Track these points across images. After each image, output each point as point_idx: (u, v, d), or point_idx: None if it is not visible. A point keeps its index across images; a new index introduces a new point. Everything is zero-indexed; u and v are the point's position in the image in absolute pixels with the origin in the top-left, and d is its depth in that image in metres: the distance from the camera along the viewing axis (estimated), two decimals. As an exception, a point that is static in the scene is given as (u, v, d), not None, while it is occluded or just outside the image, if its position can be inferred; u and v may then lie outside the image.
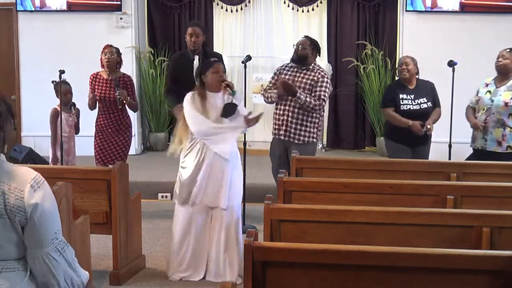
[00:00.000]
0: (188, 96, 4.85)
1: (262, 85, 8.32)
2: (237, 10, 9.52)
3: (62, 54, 8.78)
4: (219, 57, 5.78)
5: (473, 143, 5.90)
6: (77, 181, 4.52)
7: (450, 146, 6.06)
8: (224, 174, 4.76)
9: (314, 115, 5.78)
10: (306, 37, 6.02)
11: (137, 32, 9.16)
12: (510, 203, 3.98)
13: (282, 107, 5.81)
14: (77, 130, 6.29)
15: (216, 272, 4.76)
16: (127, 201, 4.85)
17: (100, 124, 6.13)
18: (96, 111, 6.17)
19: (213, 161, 4.75)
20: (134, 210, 4.98)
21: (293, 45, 6.01)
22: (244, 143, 6.03)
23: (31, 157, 6.95)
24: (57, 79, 6.09)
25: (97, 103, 6.08)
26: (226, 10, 9.52)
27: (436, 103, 5.99)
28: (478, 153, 5.80)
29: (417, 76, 6.01)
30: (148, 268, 5.10)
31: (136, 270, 4.96)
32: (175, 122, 5.95)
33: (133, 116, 6.92)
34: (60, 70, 6.04)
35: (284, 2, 9.39)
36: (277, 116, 5.86)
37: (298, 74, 5.82)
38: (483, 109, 5.79)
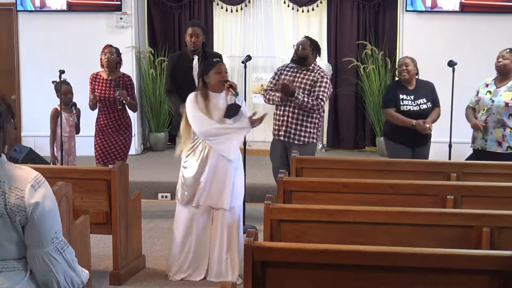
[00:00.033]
0: (191, 97, 4.83)
1: (262, 85, 8.34)
2: (237, 10, 9.52)
3: (62, 54, 8.78)
4: (219, 57, 5.77)
5: (473, 143, 5.90)
6: (77, 181, 4.52)
7: (450, 146, 6.06)
8: (227, 175, 4.76)
9: (314, 115, 5.78)
10: (306, 37, 6.02)
11: (137, 32, 9.17)
12: (510, 203, 3.98)
13: (282, 107, 5.81)
14: (77, 130, 6.29)
15: (218, 272, 4.76)
16: (127, 201, 4.85)
17: (100, 124, 6.13)
18: (96, 111, 6.17)
19: (217, 162, 4.74)
20: (134, 210, 4.98)
21: (293, 45, 6.01)
22: (244, 143, 6.03)
23: (31, 157, 6.94)
24: (57, 79, 6.09)
25: (97, 103, 6.08)
26: (226, 10, 9.52)
27: (435, 104, 5.98)
28: (478, 154, 5.79)
29: (416, 77, 6.01)
30: (148, 268, 5.10)
31: (136, 270, 4.96)
32: (175, 122, 5.95)
33: (133, 116, 6.92)
34: (60, 70, 6.04)
35: (284, 2, 9.39)
36: (277, 117, 5.86)
37: (298, 75, 5.82)
38: (484, 110, 5.78)
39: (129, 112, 6.24)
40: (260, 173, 7.47)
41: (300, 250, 2.71)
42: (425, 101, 5.91)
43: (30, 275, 2.23)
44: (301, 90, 5.70)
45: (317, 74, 5.78)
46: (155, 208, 6.79)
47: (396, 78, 6.26)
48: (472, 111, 5.93)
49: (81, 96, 6.36)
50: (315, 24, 9.50)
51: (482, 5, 8.52)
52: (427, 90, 5.99)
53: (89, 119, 6.43)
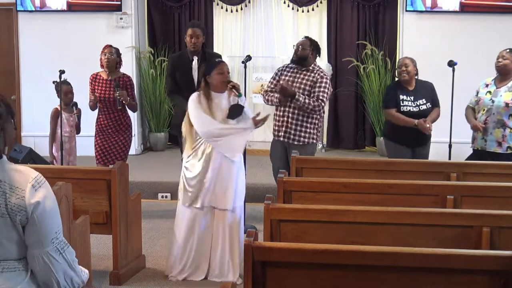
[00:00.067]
0: (193, 97, 4.81)
1: (262, 85, 8.34)
2: (237, 10, 9.52)
3: (62, 54, 8.78)
4: (218, 58, 5.77)
5: (473, 143, 5.90)
6: (77, 181, 4.52)
7: (450, 146, 6.06)
8: (231, 176, 4.75)
9: (314, 116, 5.77)
10: (306, 37, 6.02)
11: (137, 32, 9.17)
12: (510, 203, 3.98)
13: (282, 108, 5.81)
14: (78, 130, 6.29)
15: (220, 272, 4.75)
16: (127, 201, 4.85)
17: (100, 124, 6.13)
18: (96, 111, 6.17)
19: (221, 163, 4.73)
20: (134, 210, 4.98)
21: (293, 45, 6.01)
22: (244, 143, 6.03)
23: (31, 157, 6.93)
24: (58, 79, 6.09)
25: (97, 103, 6.08)
26: (226, 10, 9.52)
27: (435, 104, 5.98)
28: (478, 154, 5.79)
29: (416, 77, 6.01)
30: (148, 268, 5.10)
31: (136, 270, 4.96)
32: (175, 123, 5.95)
33: (133, 116, 6.93)
34: (60, 70, 6.04)
35: (284, 2, 9.39)
36: (277, 118, 5.86)
37: (298, 75, 5.82)
38: (484, 110, 5.78)
39: (129, 112, 6.24)
40: (260, 173, 7.47)
41: (300, 250, 2.71)
42: (425, 102, 5.91)
43: (31, 275, 2.23)
44: (301, 91, 5.70)
45: (316, 75, 5.77)
46: (155, 208, 6.79)
47: (396, 79, 6.26)
48: (472, 111, 5.92)
49: (81, 96, 6.36)
50: (315, 24, 9.50)
51: (482, 5, 8.52)
52: (426, 91, 5.99)
53: (89, 119, 6.43)
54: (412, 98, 5.91)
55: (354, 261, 2.66)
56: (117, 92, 5.93)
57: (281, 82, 5.82)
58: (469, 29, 8.53)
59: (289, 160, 5.21)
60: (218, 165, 4.72)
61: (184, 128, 4.81)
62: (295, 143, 5.74)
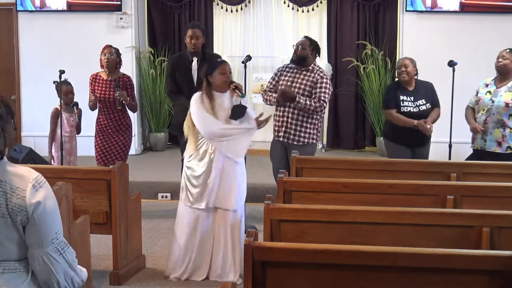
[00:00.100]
0: (196, 97, 4.80)
1: (262, 85, 8.33)
2: (237, 10, 9.52)
3: (62, 54, 8.78)
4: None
5: (473, 143, 5.90)
6: (77, 181, 4.53)
7: (450, 146, 6.06)
8: (234, 176, 4.75)
9: (314, 116, 5.76)
10: (306, 37, 6.01)
11: (137, 32, 9.17)
12: (510, 203, 3.98)
13: (282, 108, 5.80)
14: (78, 130, 6.29)
15: (222, 272, 4.75)
16: (127, 201, 4.85)
17: (100, 124, 6.13)
18: (96, 111, 6.17)
19: (224, 163, 4.71)
20: (134, 210, 4.98)
21: (293, 45, 6.00)
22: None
23: (31, 157, 6.93)
24: (58, 79, 6.09)
25: (97, 103, 6.08)
26: (226, 10, 9.52)
27: (435, 104, 5.98)
28: (478, 154, 5.79)
29: (416, 77, 6.01)
30: (148, 268, 5.10)
31: (136, 270, 4.96)
32: (175, 122, 5.95)
33: (133, 116, 6.92)
34: (60, 70, 6.04)
35: (284, 2, 9.39)
36: (277, 118, 5.85)
37: (297, 75, 5.81)
38: (483, 110, 5.78)
39: (129, 112, 6.24)
40: (260, 173, 7.47)
41: (300, 250, 2.71)
42: (425, 102, 5.91)
43: (31, 277, 2.24)
44: (301, 91, 5.69)
45: (316, 75, 5.76)
46: (155, 208, 6.79)
47: (396, 79, 6.26)
48: (471, 111, 5.92)
49: (81, 96, 6.35)
50: (315, 24, 9.50)
51: (482, 5, 8.52)
52: (426, 91, 5.99)
53: (89, 119, 6.43)
54: (412, 98, 5.90)
55: (354, 261, 2.66)
56: (117, 92, 5.92)
57: (280, 82, 5.82)
58: (469, 29, 8.53)
59: (289, 160, 5.20)
60: (221, 165, 4.71)
61: (186, 128, 4.80)
62: (295, 143, 5.74)
